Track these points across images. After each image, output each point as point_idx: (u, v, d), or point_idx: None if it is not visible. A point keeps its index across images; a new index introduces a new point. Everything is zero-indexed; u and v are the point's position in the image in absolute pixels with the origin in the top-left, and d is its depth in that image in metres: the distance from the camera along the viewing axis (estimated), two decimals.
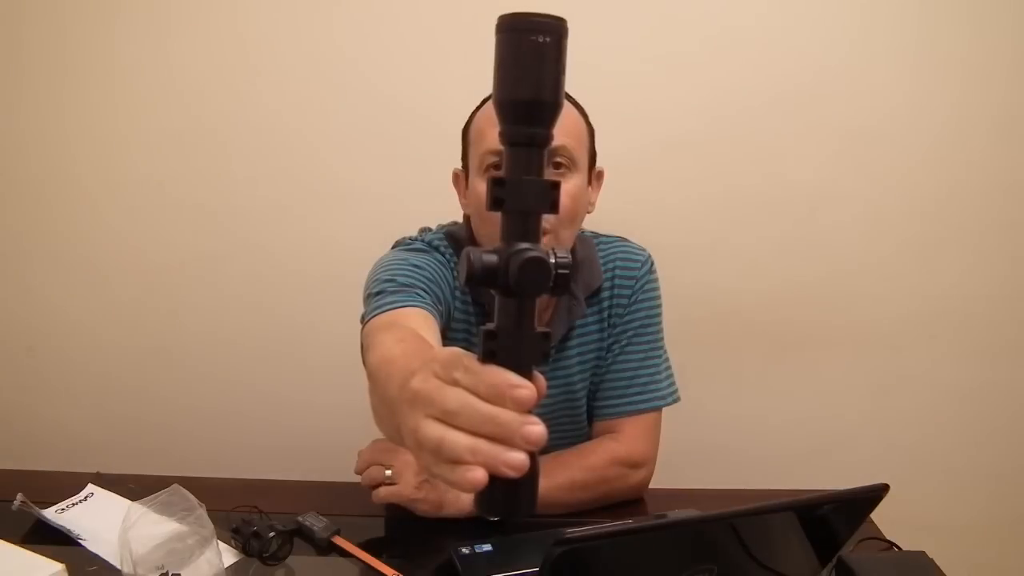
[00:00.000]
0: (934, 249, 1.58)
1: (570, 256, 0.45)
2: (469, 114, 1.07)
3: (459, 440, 0.41)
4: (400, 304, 0.92)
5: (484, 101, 1.05)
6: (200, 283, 1.61)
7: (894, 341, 1.63)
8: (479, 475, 0.41)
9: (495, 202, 0.44)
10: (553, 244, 0.98)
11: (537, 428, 0.41)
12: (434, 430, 0.42)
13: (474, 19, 1.45)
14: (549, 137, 0.44)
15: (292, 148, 1.53)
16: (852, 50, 1.49)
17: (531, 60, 0.43)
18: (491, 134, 0.96)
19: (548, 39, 0.43)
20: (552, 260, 0.43)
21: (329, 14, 1.47)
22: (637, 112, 1.51)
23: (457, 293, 1.07)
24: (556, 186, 0.44)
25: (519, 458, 0.41)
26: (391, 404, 0.53)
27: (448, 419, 0.42)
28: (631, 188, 1.53)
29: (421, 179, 1.44)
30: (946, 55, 1.49)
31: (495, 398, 0.41)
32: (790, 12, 1.47)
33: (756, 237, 1.57)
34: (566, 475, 1.06)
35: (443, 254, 1.07)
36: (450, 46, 1.47)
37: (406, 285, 0.96)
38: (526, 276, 0.43)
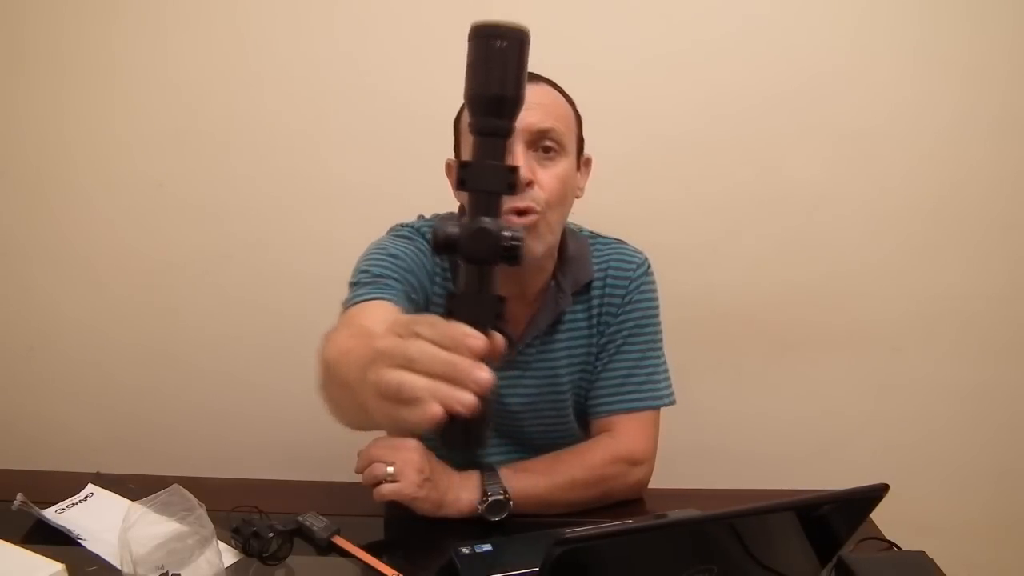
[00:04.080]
0: (934, 249, 1.58)
1: (521, 231, 0.53)
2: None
3: (418, 382, 0.49)
4: (369, 296, 0.98)
5: None
6: (200, 282, 1.60)
7: (894, 341, 1.62)
8: (438, 410, 0.48)
9: (460, 182, 0.52)
10: (543, 225, 1.00)
11: (486, 373, 0.48)
12: (394, 375, 0.49)
13: (472, 18, 1.45)
14: (511, 128, 0.53)
15: (292, 147, 1.54)
16: (852, 50, 1.49)
17: (495, 61, 0.52)
18: None
19: (508, 43, 0.52)
20: (506, 233, 0.51)
21: (329, 14, 1.47)
22: (638, 112, 1.51)
23: (437, 279, 1.09)
24: (514, 170, 0.52)
25: (471, 397, 0.48)
26: (353, 385, 0.60)
27: (408, 365, 0.49)
28: (632, 188, 1.53)
29: (421, 177, 1.44)
30: (946, 55, 1.49)
31: (453, 347, 0.49)
32: (789, 13, 1.47)
33: (756, 237, 1.57)
34: (566, 474, 1.06)
35: (428, 240, 1.09)
36: (449, 44, 1.46)
37: (379, 276, 1.01)
38: (474, 244, 0.51)
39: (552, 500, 1.04)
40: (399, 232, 1.11)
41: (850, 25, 1.48)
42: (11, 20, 1.48)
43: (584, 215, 1.25)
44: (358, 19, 1.48)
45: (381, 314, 0.92)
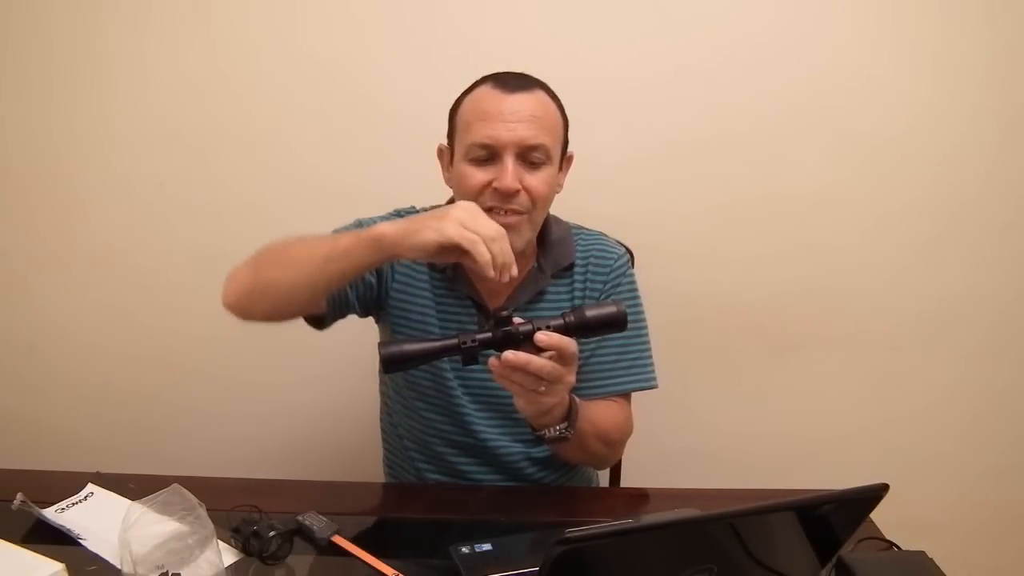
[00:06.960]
0: (934, 250, 1.58)
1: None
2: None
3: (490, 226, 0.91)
4: None
5: (473, 85, 1.10)
6: (200, 283, 1.59)
7: (894, 341, 1.62)
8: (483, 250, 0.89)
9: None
10: (525, 224, 1.07)
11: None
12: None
13: (470, 18, 1.46)
14: None
15: (292, 148, 1.54)
16: (852, 54, 1.49)
17: None
18: (477, 128, 1.04)
19: None
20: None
21: (327, 15, 1.47)
22: (638, 113, 1.51)
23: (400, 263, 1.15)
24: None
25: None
26: (322, 251, 1.02)
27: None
28: (632, 189, 1.53)
29: (421, 178, 1.44)
30: (945, 58, 1.49)
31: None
32: (790, 15, 1.47)
33: (756, 237, 1.57)
34: (600, 420, 1.08)
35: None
36: (451, 46, 1.47)
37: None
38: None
39: (579, 441, 1.04)
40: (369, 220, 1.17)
41: (850, 27, 1.48)
42: (10, 20, 1.48)
43: (585, 215, 1.26)
44: (359, 19, 1.48)
45: None
